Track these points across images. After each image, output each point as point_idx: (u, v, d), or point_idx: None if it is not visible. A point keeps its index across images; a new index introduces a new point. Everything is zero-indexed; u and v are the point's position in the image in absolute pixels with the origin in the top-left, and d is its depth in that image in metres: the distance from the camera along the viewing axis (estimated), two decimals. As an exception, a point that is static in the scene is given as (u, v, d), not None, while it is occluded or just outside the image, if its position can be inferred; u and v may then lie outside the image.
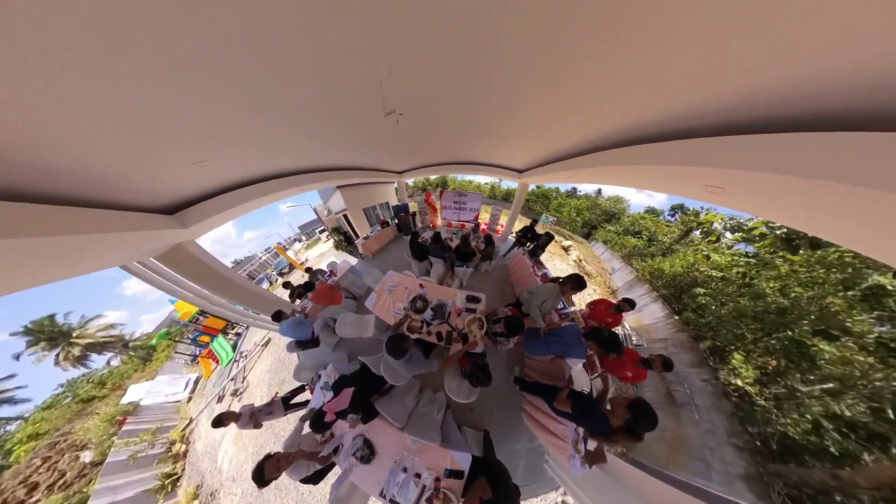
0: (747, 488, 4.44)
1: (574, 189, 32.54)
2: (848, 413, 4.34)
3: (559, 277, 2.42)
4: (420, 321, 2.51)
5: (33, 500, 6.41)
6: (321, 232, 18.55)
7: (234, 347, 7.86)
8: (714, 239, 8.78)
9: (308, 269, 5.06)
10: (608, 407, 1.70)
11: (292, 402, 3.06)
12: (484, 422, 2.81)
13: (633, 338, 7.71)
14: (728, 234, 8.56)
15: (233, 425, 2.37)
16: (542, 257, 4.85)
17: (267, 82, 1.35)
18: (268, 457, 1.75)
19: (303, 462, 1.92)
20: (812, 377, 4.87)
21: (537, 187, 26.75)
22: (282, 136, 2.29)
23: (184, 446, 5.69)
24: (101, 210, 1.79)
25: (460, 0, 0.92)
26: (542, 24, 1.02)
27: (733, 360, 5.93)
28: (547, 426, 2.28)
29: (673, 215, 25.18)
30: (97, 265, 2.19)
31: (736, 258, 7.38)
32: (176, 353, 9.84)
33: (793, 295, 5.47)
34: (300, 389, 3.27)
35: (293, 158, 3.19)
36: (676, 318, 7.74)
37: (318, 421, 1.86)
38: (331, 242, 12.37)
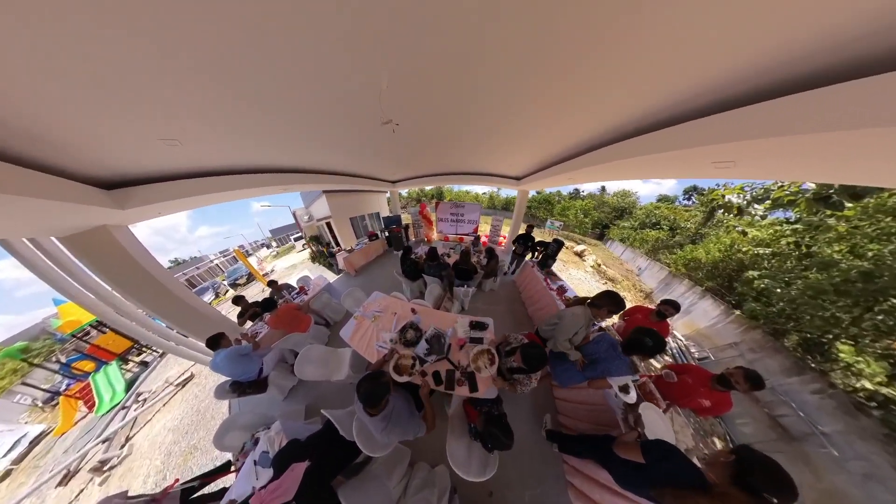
0: None
1: (577, 190, 32.81)
2: None
3: (587, 298, 1.99)
4: (412, 357, 2.04)
5: None
6: (296, 239, 16.70)
7: (130, 385, 5.25)
8: (735, 211, 7.96)
9: (272, 283, 4.04)
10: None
11: (197, 495, 1.87)
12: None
13: (693, 350, 6.39)
14: (756, 206, 7.85)
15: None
16: (555, 267, 4.43)
17: (267, 71, 1.27)
18: None
19: None
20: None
21: (538, 193, 27.17)
22: (273, 131, 2.12)
23: None
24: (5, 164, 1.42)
25: (456, 13, 0.97)
26: (532, 31, 1.07)
27: (841, 354, 4.58)
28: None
29: (689, 198, 24.41)
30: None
31: (779, 228, 6.60)
32: (23, 383, 6.37)
33: (870, 254, 4.55)
34: (221, 470, 2.04)
35: (281, 155, 2.95)
36: (737, 312, 6.47)
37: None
38: (306, 253, 11.15)
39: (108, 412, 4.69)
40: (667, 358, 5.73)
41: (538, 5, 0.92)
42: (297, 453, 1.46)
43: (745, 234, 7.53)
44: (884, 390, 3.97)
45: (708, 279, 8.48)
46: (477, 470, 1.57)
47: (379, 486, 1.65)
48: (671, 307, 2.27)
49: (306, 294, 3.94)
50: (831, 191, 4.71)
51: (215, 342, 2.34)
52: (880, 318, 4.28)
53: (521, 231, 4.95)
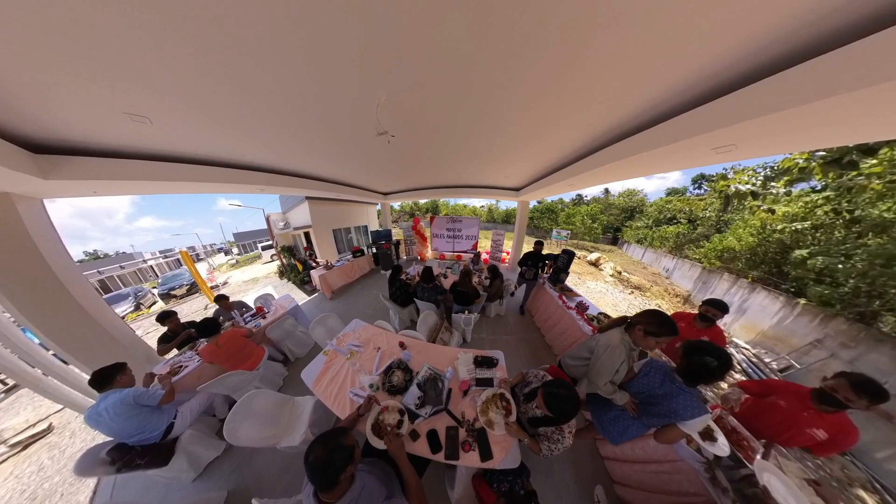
0: None
1: (579, 196, 32.90)
2: None
3: (625, 318, 1.50)
4: (398, 410, 1.58)
5: None
6: (265, 248, 13.48)
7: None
8: (748, 198, 7.79)
9: (220, 299, 3.19)
10: None
11: None
12: None
13: (767, 359, 5.26)
14: (773, 184, 7.59)
15: None
16: (569, 281, 4.03)
17: (266, 59, 1.23)
18: None
19: None
20: None
21: (539, 202, 27.25)
22: (261, 125, 1.99)
23: None
24: None
25: (451, 35, 1.09)
26: (519, 47, 1.18)
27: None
28: None
29: (699, 187, 23.94)
30: None
31: (808, 199, 6.17)
32: None
33: None
34: None
35: (265, 152, 2.75)
36: (802, 301, 5.57)
37: None
38: (274, 266, 9.75)
39: None
40: (736, 376, 4.68)
41: (525, 22, 1.03)
42: None
43: (772, 212, 7.15)
44: None
45: (750, 268, 7.66)
46: None
47: None
48: (716, 308, 1.97)
49: (264, 317, 3.16)
50: (846, 152, 4.46)
51: (106, 378, 1.62)
52: None
53: (528, 248, 4.24)
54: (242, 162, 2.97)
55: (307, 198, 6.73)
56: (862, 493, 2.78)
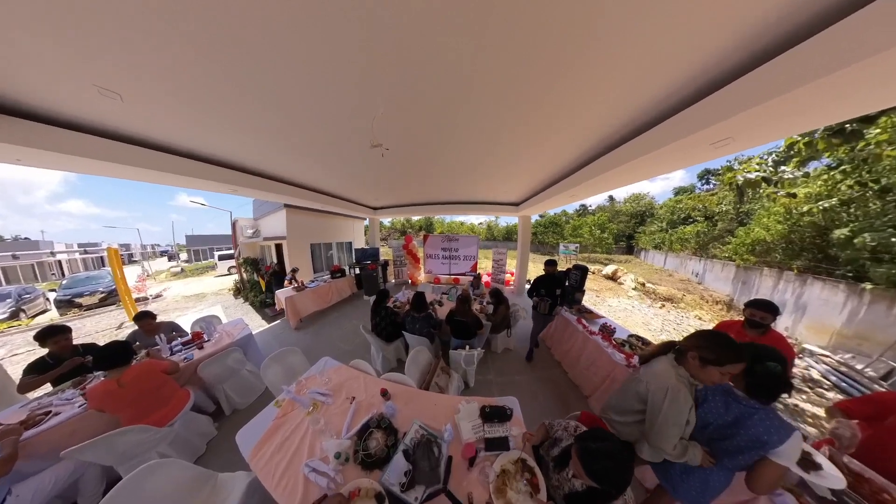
0: None
1: (583, 206, 32.80)
2: None
3: (671, 343, 1.24)
4: (375, 496, 1.15)
5: None
6: (223, 258, 11.63)
7: None
8: (762, 186, 7.76)
9: (142, 316, 2.52)
10: None
11: None
12: None
13: (858, 365, 4.24)
14: (784, 168, 7.55)
15: None
16: (586, 300, 3.65)
17: (262, 50, 1.22)
18: None
19: None
20: None
21: (541, 216, 27.03)
22: (245, 118, 1.90)
23: None
24: None
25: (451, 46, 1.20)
26: (514, 62, 1.30)
27: None
28: None
29: (706, 182, 23.80)
30: None
31: (827, 177, 6.01)
32: None
33: None
34: None
35: (243, 149, 2.59)
36: (868, 286, 4.91)
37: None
38: (230, 281, 8.13)
39: None
40: (828, 395, 3.73)
41: (521, 32, 1.12)
42: None
43: (793, 196, 6.91)
44: None
45: (791, 258, 7.09)
46: None
47: None
48: (762, 309, 1.70)
49: (201, 347, 2.51)
50: (842, 125, 4.44)
51: None
52: None
53: (537, 269, 3.98)
54: (216, 157, 2.73)
55: (286, 205, 6.02)
56: None
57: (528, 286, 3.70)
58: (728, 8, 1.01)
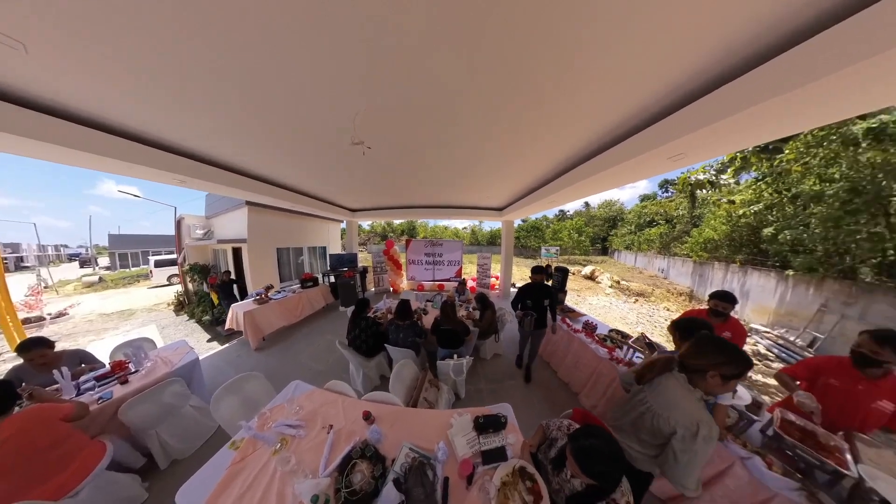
0: None
1: (562, 211, 35.15)
2: None
3: (670, 357, 1.21)
4: None
5: None
6: (160, 265, 9.50)
7: None
8: (708, 186, 9.81)
9: (31, 345, 1.89)
10: None
11: None
12: None
13: (791, 337, 5.34)
14: (723, 176, 9.40)
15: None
16: (569, 300, 3.89)
17: (235, 14, 1.00)
18: None
19: None
20: None
21: (523, 221, 28.29)
22: (204, 99, 1.60)
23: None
24: None
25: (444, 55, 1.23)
26: (504, 74, 1.39)
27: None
28: None
29: (665, 190, 26.87)
30: None
31: (755, 186, 7.39)
32: None
33: (837, 176, 5.08)
34: None
35: (197, 132, 2.12)
36: (790, 272, 6.07)
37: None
38: (172, 292, 6.53)
39: None
40: (773, 365, 4.72)
41: (510, 60, 1.26)
42: None
43: (732, 202, 8.38)
44: None
45: (734, 253, 8.43)
46: None
47: None
48: (723, 300, 1.91)
49: (125, 382, 2.00)
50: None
51: None
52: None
53: (522, 274, 3.73)
54: (160, 140, 2.19)
55: (248, 203, 5.26)
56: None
57: (514, 290, 3.59)
58: (679, 45, 1.21)
